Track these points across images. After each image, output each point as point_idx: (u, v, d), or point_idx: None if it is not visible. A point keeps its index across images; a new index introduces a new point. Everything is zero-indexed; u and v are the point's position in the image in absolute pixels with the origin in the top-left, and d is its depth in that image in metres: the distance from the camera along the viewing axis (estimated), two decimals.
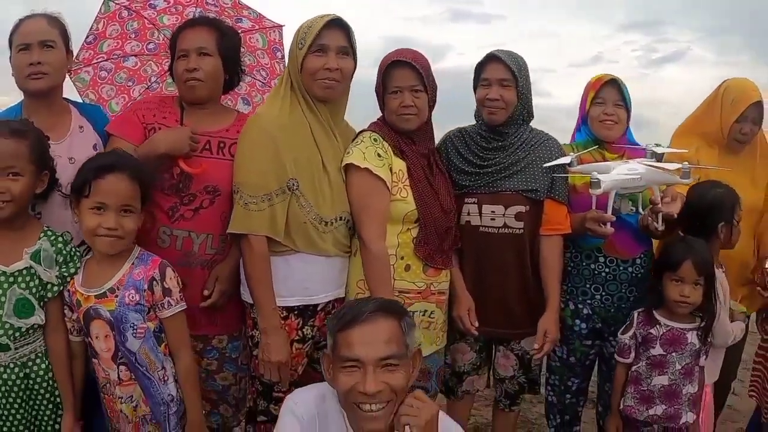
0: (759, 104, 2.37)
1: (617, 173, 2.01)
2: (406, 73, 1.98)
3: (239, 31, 2.07)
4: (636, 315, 2.09)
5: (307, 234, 1.89)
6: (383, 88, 2.03)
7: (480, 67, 2.15)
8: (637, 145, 2.32)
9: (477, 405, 2.72)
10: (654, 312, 2.07)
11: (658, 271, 2.07)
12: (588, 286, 2.25)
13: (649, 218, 2.09)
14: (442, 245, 2.05)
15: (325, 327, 1.80)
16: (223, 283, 1.97)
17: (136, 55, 2.18)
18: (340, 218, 1.95)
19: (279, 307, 1.89)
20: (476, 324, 2.14)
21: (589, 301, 2.25)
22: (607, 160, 2.19)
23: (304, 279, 1.92)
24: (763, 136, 2.51)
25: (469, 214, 2.15)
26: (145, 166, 1.75)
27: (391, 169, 1.97)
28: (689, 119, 2.56)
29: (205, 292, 1.95)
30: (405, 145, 2.04)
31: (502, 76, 2.12)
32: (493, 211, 2.13)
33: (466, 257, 2.18)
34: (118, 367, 1.71)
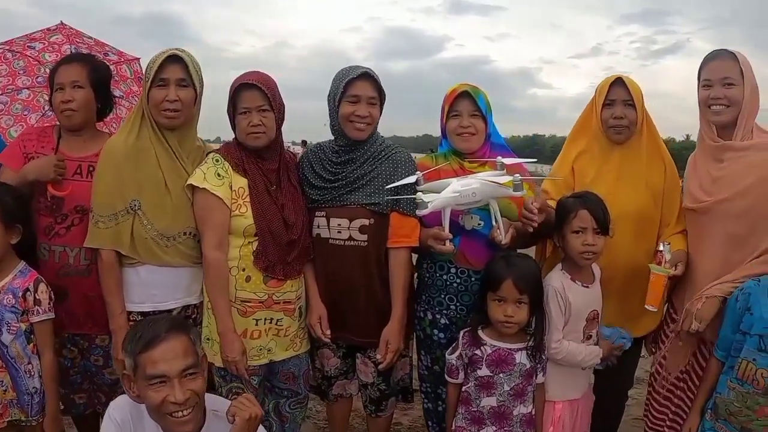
0: (620, 82, 2.26)
1: (450, 191, 1.99)
2: (254, 94, 2.10)
3: (110, 64, 2.31)
4: (461, 335, 2.06)
5: (150, 248, 2.10)
6: (233, 110, 2.15)
7: (349, 84, 2.18)
8: (506, 148, 2.26)
9: None
10: (479, 332, 2.03)
11: (482, 290, 2.02)
12: (443, 296, 2.25)
13: (496, 231, 2.04)
14: (285, 257, 2.16)
15: None
16: None
17: (28, 88, 2.51)
18: (185, 233, 2.14)
19: (135, 312, 2.14)
20: (328, 332, 2.24)
21: (445, 311, 2.26)
22: (469, 172, 2.16)
23: (152, 287, 2.15)
24: (651, 129, 2.34)
25: (319, 227, 2.24)
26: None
27: (231, 187, 2.11)
28: (577, 122, 2.45)
29: None
30: (250, 163, 2.16)
31: (372, 94, 2.19)
32: (339, 224, 2.20)
33: (319, 268, 2.27)
34: None
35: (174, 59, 2.08)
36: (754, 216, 2.00)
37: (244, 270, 2.14)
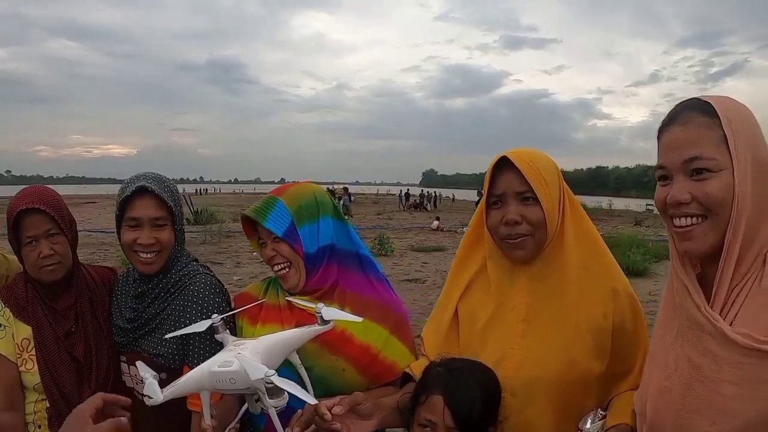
0: (508, 163, 1.44)
1: (205, 370, 1.41)
2: (38, 219, 1.78)
3: None
4: None
5: None
6: (17, 242, 1.86)
7: (126, 204, 1.77)
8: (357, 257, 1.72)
9: None
10: None
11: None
12: None
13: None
14: None
15: None
16: None
17: None
18: None
19: None
20: None
21: None
22: (301, 313, 1.63)
23: None
24: (580, 227, 1.52)
25: (124, 373, 1.89)
26: None
27: (14, 338, 1.84)
28: (469, 228, 1.67)
29: None
30: (37, 304, 1.86)
31: (155, 213, 1.76)
32: (136, 374, 1.82)
33: (133, 420, 1.91)
34: None
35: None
36: None
37: (40, 428, 1.86)
